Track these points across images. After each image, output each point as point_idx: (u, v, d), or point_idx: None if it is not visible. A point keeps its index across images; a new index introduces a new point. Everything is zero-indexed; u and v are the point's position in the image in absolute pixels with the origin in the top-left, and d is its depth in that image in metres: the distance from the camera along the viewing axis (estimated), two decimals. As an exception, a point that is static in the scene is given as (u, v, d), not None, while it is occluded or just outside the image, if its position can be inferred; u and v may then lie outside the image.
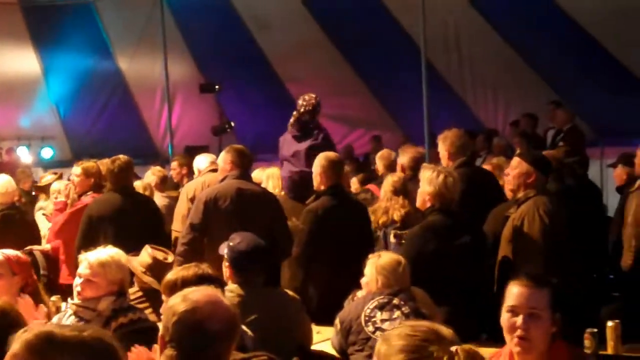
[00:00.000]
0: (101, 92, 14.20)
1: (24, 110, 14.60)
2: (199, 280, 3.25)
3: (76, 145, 14.19)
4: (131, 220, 6.16)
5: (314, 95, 6.74)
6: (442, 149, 5.91)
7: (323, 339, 4.59)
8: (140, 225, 6.14)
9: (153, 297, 4.27)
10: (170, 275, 3.49)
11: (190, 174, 8.05)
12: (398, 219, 5.76)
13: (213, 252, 4.50)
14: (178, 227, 6.10)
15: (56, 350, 1.61)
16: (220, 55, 12.92)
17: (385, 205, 5.85)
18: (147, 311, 4.23)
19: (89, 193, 6.71)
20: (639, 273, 5.11)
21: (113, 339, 1.71)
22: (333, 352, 4.22)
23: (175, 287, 3.22)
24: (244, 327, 3.38)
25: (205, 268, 3.47)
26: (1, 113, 14.14)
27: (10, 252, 4.12)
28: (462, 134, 5.97)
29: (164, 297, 3.39)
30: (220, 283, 3.52)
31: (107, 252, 3.78)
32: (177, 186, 8.13)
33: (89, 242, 5.80)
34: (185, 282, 3.23)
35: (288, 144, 6.64)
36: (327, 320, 4.56)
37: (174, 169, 8.39)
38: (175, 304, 2.30)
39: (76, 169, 6.84)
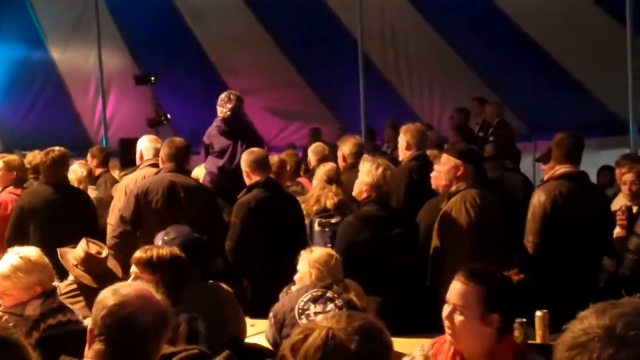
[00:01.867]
0: (33, 83, 13.92)
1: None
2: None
3: (7, 138, 13.86)
4: (63, 213, 6.10)
5: (236, 93, 6.80)
6: (402, 140, 6.19)
7: (257, 331, 4.60)
8: (73, 218, 6.10)
9: (87, 290, 4.25)
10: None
11: (101, 165, 8.06)
12: (331, 207, 5.82)
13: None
14: (113, 221, 6.04)
15: None
16: (156, 46, 12.78)
17: (317, 193, 5.91)
18: (80, 305, 4.21)
19: (9, 188, 6.63)
20: (540, 270, 5.11)
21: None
22: (267, 345, 4.24)
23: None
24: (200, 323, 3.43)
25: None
26: None
27: None
28: (423, 130, 6.31)
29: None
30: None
31: (9, 261, 3.63)
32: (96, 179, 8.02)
33: (19, 235, 5.84)
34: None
35: (215, 138, 6.67)
36: (261, 313, 4.57)
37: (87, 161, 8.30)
38: (105, 297, 2.30)
39: (-3, 163, 6.72)
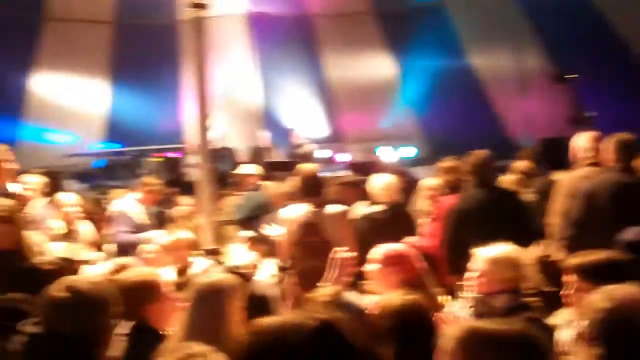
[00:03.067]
0: (454, 89, 14.45)
1: (385, 112, 15.42)
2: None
3: (434, 143, 14.62)
4: (495, 214, 6.18)
5: None
6: None
7: None
8: (504, 219, 6.12)
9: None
10: None
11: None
12: None
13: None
14: (555, 220, 5.99)
15: (483, 344, 1.75)
16: (574, 45, 12.46)
17: None
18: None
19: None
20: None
21: (537, 333, 1.81)
22: None
23: None
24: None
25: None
26: (364, 115, 15.18)
27: (395, 247, 4.33)
28: None
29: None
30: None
31: (498, 250, 3.84)
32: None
33: (458, 238, 6.06)
34: None
35: None
36: None
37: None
38: (598, 300, 2.30)
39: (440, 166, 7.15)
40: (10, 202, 5.01)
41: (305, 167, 6.41)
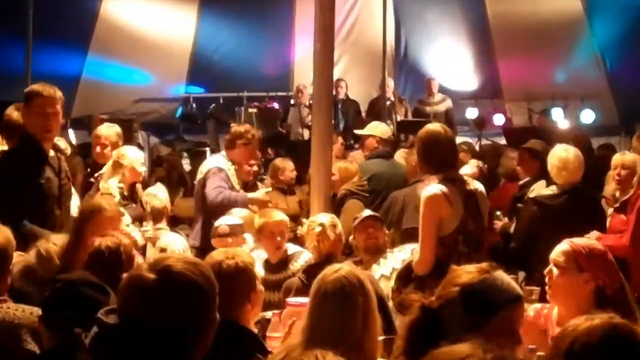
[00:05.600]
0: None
1: (561, 61, 15.19)
2: None
3: (626, 107, 14.46)
4: None
5: None
6: None
7: None
8: None
9: None
10: None
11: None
12: None
13: None
14: None
15: None
16: None
17: None
18: None
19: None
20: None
21: None
22: None
23: None
24: None
25: None
26: (534, 66, 14.95)
27: (583, 242, 4.23)
28: None
29: None
30: None
31: None
32: None
33: None
34: None
35: None
36: None
37: None
38: None
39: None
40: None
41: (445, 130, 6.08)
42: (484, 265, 3.17)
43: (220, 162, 8.00)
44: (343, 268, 3.64)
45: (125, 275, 2.72)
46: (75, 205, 6.67)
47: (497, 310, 3.01)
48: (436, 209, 5.52)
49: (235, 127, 8.45)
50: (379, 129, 9.11)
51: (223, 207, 7.38)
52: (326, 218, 6.22)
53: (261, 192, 7.92)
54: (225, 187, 7.70)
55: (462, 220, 5.55)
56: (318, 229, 6.06)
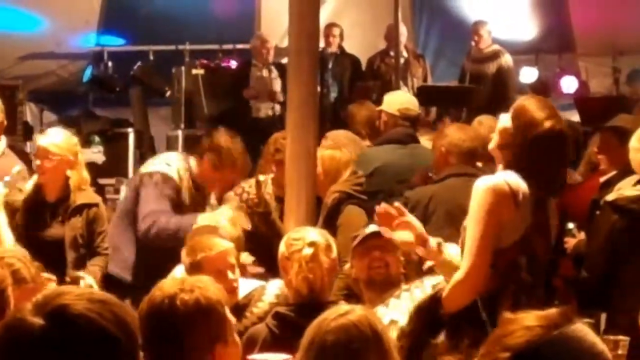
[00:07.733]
0: None
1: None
2: None
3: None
4: None
5: None
6: None
7: None
8: None
9: None
10: None
11: None
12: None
13: None
14: None
15: None
16: None
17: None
18: None
19: None
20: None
21: None
22: None
23: None
24: None
25: None
26: (621, 6, 15.21)
27: None
28: None
29: None
30: None
31: None
32: None
33: None
34: None
35: None
36: None
37: None
38: None
39: None
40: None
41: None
42: (553, 314, 2.78)
43: (170, 166, 8.08)
44: (354, 311, 3.86)
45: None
46: None
47: None
48: (497, 207, 5.31)
49: (216, 137, 8.20)
50: (388, 100, 9.27)
51: (161, 242, 7.58)
52: (318, 235, 6.02)
53: (224, 212, 7.64)
54: (163, 211, 7.83)
55: (526, 234, 5.43)
56: (307, 250, 5.82)
